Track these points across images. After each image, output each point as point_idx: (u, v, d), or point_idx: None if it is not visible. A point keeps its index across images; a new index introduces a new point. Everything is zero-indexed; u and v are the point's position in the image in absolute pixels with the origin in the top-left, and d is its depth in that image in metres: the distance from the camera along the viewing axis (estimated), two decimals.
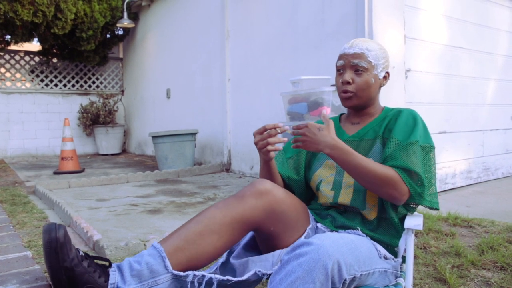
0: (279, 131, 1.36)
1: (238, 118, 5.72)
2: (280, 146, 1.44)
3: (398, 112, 1.46)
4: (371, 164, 1.27)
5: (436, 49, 4.20)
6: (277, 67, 4.95)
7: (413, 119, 1.41)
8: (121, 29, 8.93)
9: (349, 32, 3.87)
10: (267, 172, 1.48)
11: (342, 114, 1.66)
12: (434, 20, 4.17)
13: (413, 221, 1.34)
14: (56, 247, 1.19)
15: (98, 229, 2.94)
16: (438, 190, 4.11)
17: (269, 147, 1.37)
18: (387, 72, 1.53)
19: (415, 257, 2.29)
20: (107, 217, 3.39)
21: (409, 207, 1.42)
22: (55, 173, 6.05)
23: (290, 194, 1.36)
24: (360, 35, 3.69)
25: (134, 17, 8.63)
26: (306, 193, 1.59)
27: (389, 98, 3.64)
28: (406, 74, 3.85)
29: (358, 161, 1.27)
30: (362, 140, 1.46)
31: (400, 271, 1.40)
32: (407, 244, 1.34)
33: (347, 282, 1.09)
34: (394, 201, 1.32)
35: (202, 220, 1.21)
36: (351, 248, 1.15)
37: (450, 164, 4.30)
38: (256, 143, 1.38)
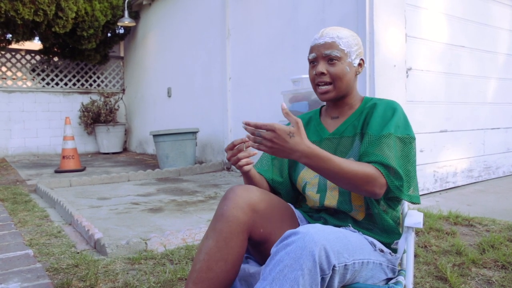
0: (246, 146, 1.32)
1: (238, 117, 5.73)
2: (252, 159, 1.39)
3: (374, 105, 1.43)
4: (350, 166, 1.22)
5: (437, 48, 4.19)
6: (277, 66, 4.95)
7: (391, 111, 1.37)
8: (122, 28, 8.93)
9: None
10: (248, 182, 1.48)
11: (322, 106, 1.61)
12: (435, 18, 4.17)
13: (414, 219, 1.33)
14: None
15: (99, 227, 2.95)
16: (439, 189, 4.14)
17: (241, 162, 1.35)
18: (362, 59, 1.47)
19: (416, 255, 2.30)
20: (108, 216, 3.40)
21: (391, 203, 1.39)
22: (56, 171, 6.06)
23: (267, 193, 1.34)
24: (361, 34, 3.69)
25: (135, 15, 8.63)
26: (293, 193, 1.58)
27: (390, 96, 3.63)
28: (407, 72, 3.84)
29: (337, 166, 1.20)
30: (342, 138, 1.43)
31: (400, 269, 1.40)
32: (408, 242, 1.34)
33: (337, 269, 1.09)
34: (372, 197, 1.28)
35: (203, 258, 1.22)
36: (339, 236, 1.15)
37: (451, 162, 4.30)
38: (228, 159, 1.37)
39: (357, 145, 1.39)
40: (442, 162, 4.18)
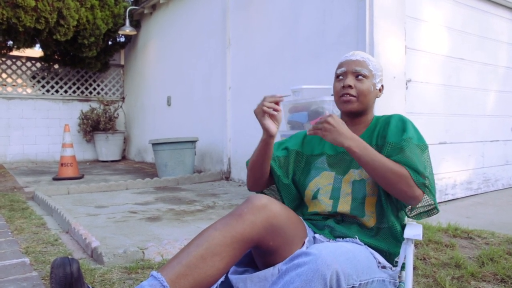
0: (278, 100, 1.46)
1: (238, 127, 5.73)
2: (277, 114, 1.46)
3: (388, 118, 1.51)
4: (386, 159, 1.32)
5: (437, 60, 4.21)
6: (277, 77, 4.96)
7: (403, 122, 1.45)
8: (122, 36, 8.97)
9: (350, 43, 3.89)
10: (259, 155, 1.49)
11: None
12: (435, 31, 4.19)
13: (413, 231, 1.33)
14: (71, 282, 1.19)
15: (96, 236, 2.93)
16: (438, 201, 4.12)
17: (264, 108, 1.42)
18: (382, 85, 1.60)
19: (415, 268, 2.28)
20: (106, 224, 3.38)
21: (400, 212, 1.44)
22: (54, 179, 6.04)
23: (286, 207, 1.34)
24: (361, 45, 3.71)
25: (136, 24, 8.67)
26: (293, 199, 1.59)
27: (389, 108, 3.64)
28: (406, 84, 3.86)
29: (377, 155, 1.32)
30: None
31: (400, 282, 1.39)
32: (407, 254, 1.33)
33: None
34: (407, 200, 1.33)
35: (202, 243, 1.17)
36: (349, 257, 1.15)
37: (450, 175, 4.29)
38: (255, 111, 1.45)
39: None
40: (441, 174, 4.18)
